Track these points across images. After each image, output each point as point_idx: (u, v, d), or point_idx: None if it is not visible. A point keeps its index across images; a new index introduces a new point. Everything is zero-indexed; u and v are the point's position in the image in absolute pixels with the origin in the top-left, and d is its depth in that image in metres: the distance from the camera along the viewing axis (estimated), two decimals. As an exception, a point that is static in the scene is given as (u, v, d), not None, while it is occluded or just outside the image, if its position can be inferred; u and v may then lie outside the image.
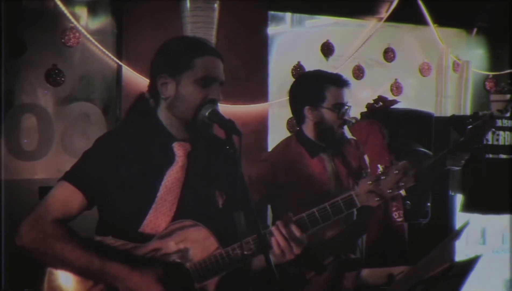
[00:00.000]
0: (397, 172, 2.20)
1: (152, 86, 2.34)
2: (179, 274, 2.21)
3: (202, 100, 2.25)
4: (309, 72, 3.54)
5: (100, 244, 2.22)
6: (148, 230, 2.24)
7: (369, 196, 2.21)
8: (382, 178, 2.21)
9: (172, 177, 2.28)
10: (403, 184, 2.20)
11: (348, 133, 3.53)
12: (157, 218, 2.24)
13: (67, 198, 2.23)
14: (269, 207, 3.31)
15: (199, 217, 2.24)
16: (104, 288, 2.20)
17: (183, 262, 2.21)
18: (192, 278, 2.21)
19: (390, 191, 2.20)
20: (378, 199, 2.21)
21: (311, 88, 3.23)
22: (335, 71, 3.50)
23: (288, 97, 3.32)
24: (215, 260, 2.20)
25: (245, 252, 2.17)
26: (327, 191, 3.15)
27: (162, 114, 2.34)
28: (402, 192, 2.22)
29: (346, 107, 3.19)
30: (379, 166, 2.23)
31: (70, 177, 2.26)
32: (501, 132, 4.33)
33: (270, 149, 4.34)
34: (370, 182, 2.21)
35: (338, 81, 3.20)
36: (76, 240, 2.19)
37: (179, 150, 2.31)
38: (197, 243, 2.21)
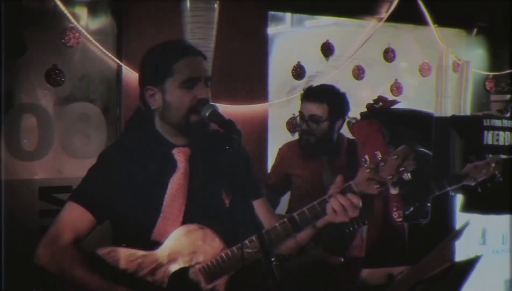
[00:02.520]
0: (396, 157, 2.16)
1: (142, 99, 2.35)
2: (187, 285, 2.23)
3: (190, 102, 2.25)
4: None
5: (109, 266, 2.24)
6: (158, 238, 2.26)
7: (368, 184, 2.18)
8: (381, 164, 2.17)
9: (176, 184, 2.29)
10: (403, 168, 2.16)
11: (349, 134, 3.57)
12: (166, 225, 2.26)
13: (76, 218, 2.27)
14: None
15: (208, 219, 2.26)
16: None
17: (192, 266, 2.23)
18: (199, 286, 2.23)
19: (391, 177, 2.17)
20: (378, 186, 2.17)
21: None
22: (335, 71, 3.58)
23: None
24: (222, 260, 2.22)
25: (250, 250, 2.18)
26: (323, 187, 3.23)
27: (157, 124, 2.35)
28: (407, 177, 2.17)
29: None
30: (378, 153, 2.19)
31: (77, 197, 2.30)
32: (501, 133, 4.32)
33: (270, 149, 4.38)
34: (369, 170, 2.18)
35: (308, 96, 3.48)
36: (86, 264, 2.23)
37: (179, 156, 2.31)
38: (204, 245, 2.23)
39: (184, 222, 2.26)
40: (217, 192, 2.34)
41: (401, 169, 2.16)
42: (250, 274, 2.29)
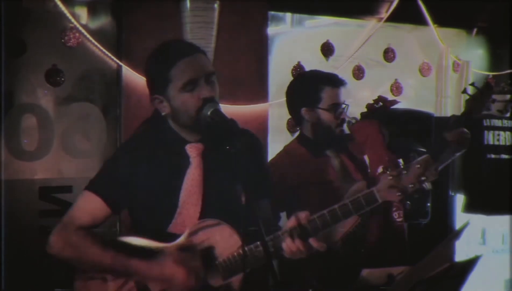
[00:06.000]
0: (418, 166, 2.17)
1: (153, 106, 2.38)
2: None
3: (196, 103, 2.26)
4: (305, 72, 3.59)
5: (122, 244, 2.27)
6: (175, 231, 2.29)
7: (390, 191, 2.19)
8: (403, 172, 2.18)
9: (190, 179, 2.31)
10: (424, 178, 2.17)
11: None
12: (184, 220, 2.29)
13: (92, 208, 2.31)
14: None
15: (224, 214, 2.27)
16: (135, 286, 2.25)
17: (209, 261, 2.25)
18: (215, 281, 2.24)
19: (412, 185, 2.18)
20: (399, 193, 2.18)
21: (306, 89, 3.24)
22: (335, 71, 3.52)
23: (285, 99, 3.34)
24: (239, 258, 2.23)
25: (268, 249, 2.18)
26: (336, 188, 3.18)
27: (171, 123, 2.38)
28: (427, 186, 2.18)
29: (344, 106, 3.21)
30: (400, 160, 2.19)
31: (93, 187, 2.32)
32: (501, 133, 4.33)
33: (270, 149, 4.35)
34: (391, 177, 2.19)
35: (334, 82, 3.22)
36: (99, 242, 2.26)
37: (191, 151, 2.34)
38: (222, 241, 2.25)
39: (201, 216, 2.28)
40: (232, 188, 2.34)
41: (422, 178, 2.17)
42: (266, 273, 2.30)
